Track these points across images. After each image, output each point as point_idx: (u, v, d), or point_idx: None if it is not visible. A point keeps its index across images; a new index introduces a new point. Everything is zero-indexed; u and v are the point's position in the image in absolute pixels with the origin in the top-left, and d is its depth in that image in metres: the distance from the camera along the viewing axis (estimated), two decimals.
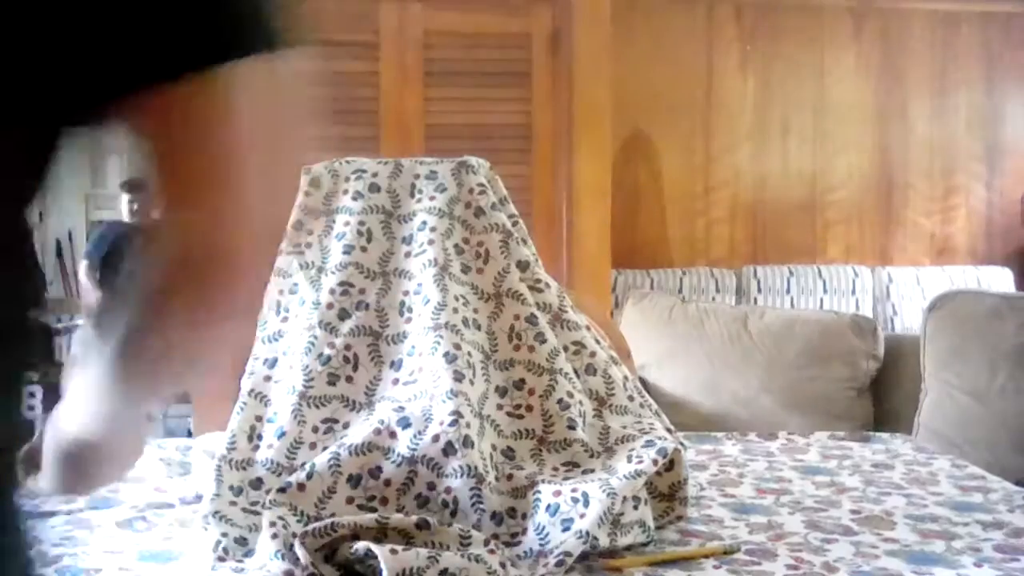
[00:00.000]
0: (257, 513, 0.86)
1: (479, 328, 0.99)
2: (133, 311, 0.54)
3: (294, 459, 0.91)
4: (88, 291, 4.87)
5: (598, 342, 1.05)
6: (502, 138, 3.45)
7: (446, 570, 0.75)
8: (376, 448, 0.89)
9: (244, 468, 0.91)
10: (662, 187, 4.35)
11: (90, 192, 6.00)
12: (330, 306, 0.98)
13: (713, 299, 4.05)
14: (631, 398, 1.02)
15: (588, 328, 1.06)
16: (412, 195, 1.06)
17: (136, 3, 0.47)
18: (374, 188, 1.06)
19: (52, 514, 0.99)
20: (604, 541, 0.84)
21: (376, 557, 0.75)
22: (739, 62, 4.35)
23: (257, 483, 0.90)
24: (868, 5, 4.37)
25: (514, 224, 1.07)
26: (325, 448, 0.90)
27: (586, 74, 3.45)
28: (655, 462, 0.91)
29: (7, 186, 0.50)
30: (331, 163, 1.09)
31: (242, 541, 0.84)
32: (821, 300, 4.16)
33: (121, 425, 0.62)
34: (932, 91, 4.46)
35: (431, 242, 1.01)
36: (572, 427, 0.95)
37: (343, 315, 0.98)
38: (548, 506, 0.86)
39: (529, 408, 0.96)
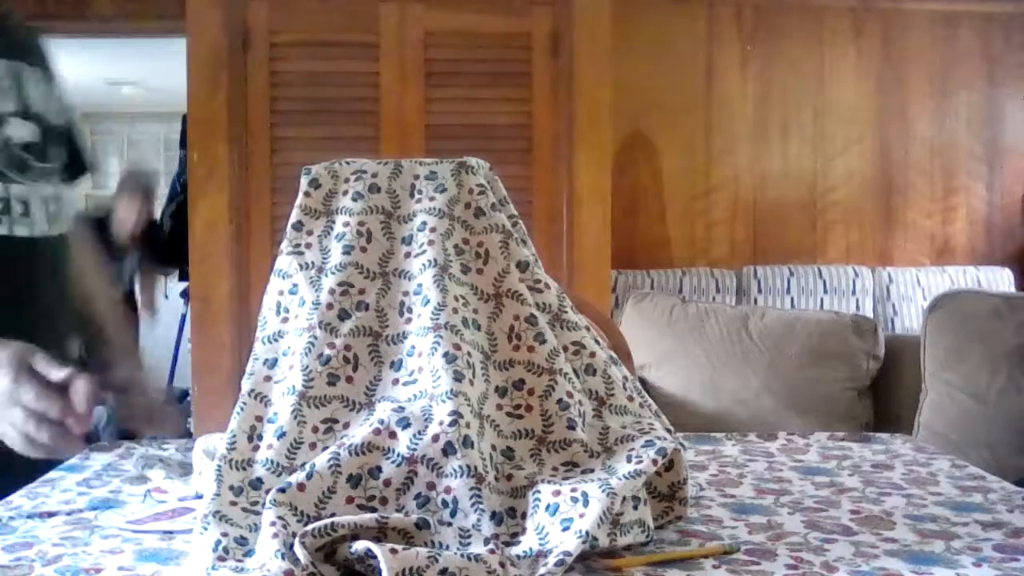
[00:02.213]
0: (257, 513, 0.87)
1: (479, 328, 0.99)
2: None
3: (294, 459, 0.91)
4: None
5: (598, 342, 1.05)
6: (502, 138, 3.45)
7: (446, 570, 0.75)
8: (376, 448, 0.89)
9: (244, 468, 0.91)
10: (662, 187, 4.36)
11: (90, 193, 6.00)
12: (330, 306, 0.98)
13: (713, 299, 4.06)
14: (631, 398, 1.02)
15: (588, 328, 1.06)
16: (412, 195, 1.06)
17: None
18: (374, 189, 1.06)
19: (52, 514, 0.99)
20: (604, 541, 0.84)
21: (376, 556, 0.75)
22: (739, 62, 4.36)
23: (257, 483, 0.90)
24: (868, 5, 4.37)
25: (514, 225, 1.07)
26: (325, 448, 0.91)
27: (586, 74, 3.46)
28: (655, 462, 0.91)
29: None
30: (331, 163, 1.09)
31: (242, 541, 0.84)
32: (821, 300, 4.16)
33: None
34: (932, 91, 4.47)
35: (431, 242, 1.01)
36: (572, 427, 0.95)
37: (343, 315, 0.98)
38: (548, 506, 0.86)
39: (529, 408, 0.96)
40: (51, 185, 1.38)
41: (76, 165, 1.51)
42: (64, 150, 1.44)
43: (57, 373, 1.02)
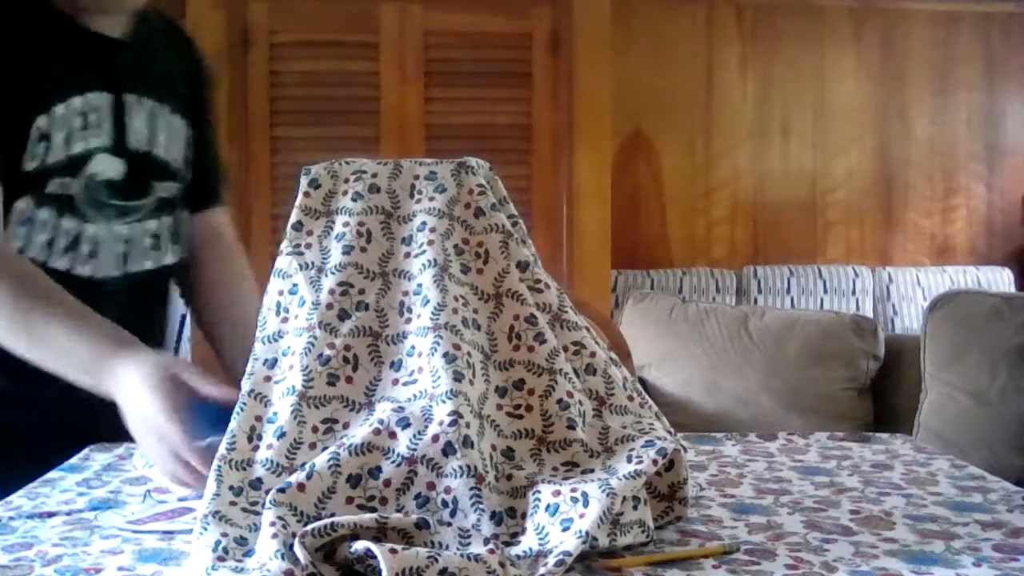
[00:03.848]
0: (257, 513, 0.87)
1: (479, 328, 0.99)
2: None
3: (294, 459, 0.91)
4: None
5: (598, 343, 1.05)
6: (502, 138, 3.46)
7: (446, 569, 0.75)
8: (376, 448, 0.89)
9: (244, 468, 0.91)
10: (662, 187, 4.36)
11: None
12: (330, 306, 0.99)
13: (713, 299, 4.06)
14: (631, 398, 1.02)
15: (588, 329, 1.06)
16: (412, 196, 1.06)
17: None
18: (374, 189, 1.06)
19: (52, 514, 0.99)
20: (603, 541, 0.84)
21: (376, 556, 0.75)
22: (739, 62, 4.36)
23: (257, 483, 0.90)
24: (868, 5, 4.37)
25: (514, 224, 1.07)
26: (325, 448, 0.91)
27: (586, 74, 3.46)
28: (655, 462, 0.91)
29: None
30: (331, 164, 1.09)
31: (242, 541, 0.84)
32: (821, 300, 4.16)
33: None
34: (932, 91, 4.47)
35: (431, 243, 1.01)
36: (572, 427, 0.95)
37: (343, 315, 0.98)
38: (548, 506, 0.86)
39: (529, 408, 0.96)
40: (127, 225, 1.34)
41: (202, 197, 1.51)
42: (174, 184, 1.41)
43: (209, 388, 1.01)
